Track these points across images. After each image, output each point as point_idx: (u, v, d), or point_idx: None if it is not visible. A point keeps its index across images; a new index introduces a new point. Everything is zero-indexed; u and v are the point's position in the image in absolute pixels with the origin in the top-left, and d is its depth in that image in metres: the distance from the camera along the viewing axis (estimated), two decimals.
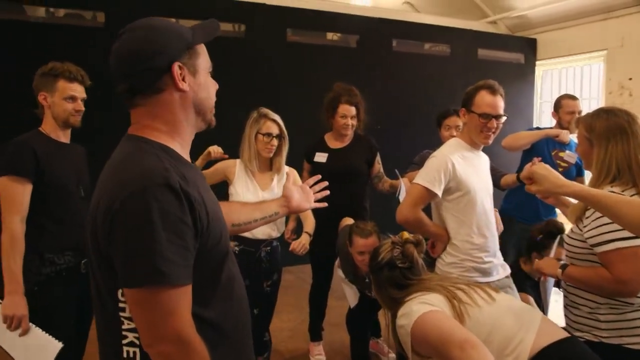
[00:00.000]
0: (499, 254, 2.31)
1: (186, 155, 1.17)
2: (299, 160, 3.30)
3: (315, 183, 1.76)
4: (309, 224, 2.65)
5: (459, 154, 2.24)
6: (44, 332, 1.95)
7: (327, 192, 1.77)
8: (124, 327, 1.06)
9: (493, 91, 2.23)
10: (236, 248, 2.56)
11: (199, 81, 1.16)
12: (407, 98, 5.83)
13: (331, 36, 5.88)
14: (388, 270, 1.79)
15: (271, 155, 2.61)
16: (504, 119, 2.25)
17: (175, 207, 0.99)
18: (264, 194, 2.58)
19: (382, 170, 3.34)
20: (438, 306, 1.57)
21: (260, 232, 2.56)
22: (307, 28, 5.57)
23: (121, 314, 1.05)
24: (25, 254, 1.99)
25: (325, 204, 1.76)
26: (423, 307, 1.56)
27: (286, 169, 2.71)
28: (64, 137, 2.17)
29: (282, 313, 4.18)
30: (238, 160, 2.64)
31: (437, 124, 3.35)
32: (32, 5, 4.44)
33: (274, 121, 2.59)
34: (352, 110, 3.18)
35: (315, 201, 1.74)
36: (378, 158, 3.32)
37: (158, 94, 1.10)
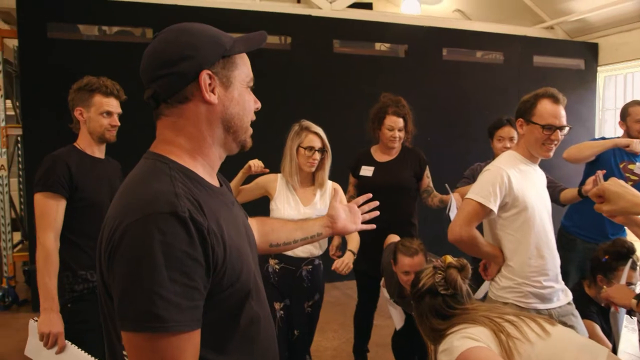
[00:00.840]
0: (560, 277, 2.11)
1: (211, 178, 1.04)
2: (346, 174, 3.21)
3: (365, 203, 1.60)
4: (354, 241, 2.53)
5: (514, 167, 2.06)
6: (80, 349, 1.92)
7: (377, 213, 1.61)
8: None
9: (556, 100, 2.04)
10: (276, 266, 2.47)
11: (232, 95, 1.01)
12: (458, 109, 5.62)
13: (379, 46, 5.78)
14: (430, 298, 1.64)
15: (313, 169, 2.50)
16: (567, 130, 2.06)
17: (181, 239, 0.85)
18: (306, 209, 2.48)
19: (431, 184, 3.19)
20: (483, 341, 1.40)
21: (302, 250, 2.46)
22: (354, 39, 5.49)
23: (124, 352, 0.92)
24: (60, 271, 1.97)
25: (374, 226, 1.60)
26: (466, 343, 1.40)
27: (330, 184, 2.60)
28: (99, 152, 2.16)
29: (327, 331, 4.08)
30: (279, 175, 2.56)
31: (489, 135, 3.16)
32: (86, 24, 4.59)
33: (316, 134, 2.49)
34: (400, 122, 3.05)
35: (363, 222, 1.59)
36: (427, 172, 3.17)
37: (183, 103, 0.97)
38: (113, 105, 2.11)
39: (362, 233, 3.14)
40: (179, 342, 0.85)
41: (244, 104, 1.04)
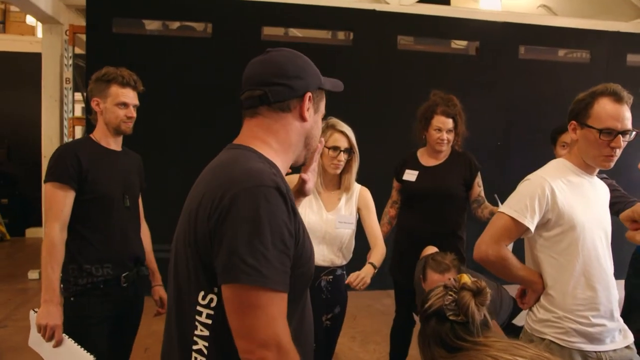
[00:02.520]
0: (617, 314, 1.74)
1: (284, 173, 1.18)
2: None
3: None
4: (377, 253, 2.26)
5: (562, 178, 1.74)
6: (77, 345, 1.87)
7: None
8: (196, 332, 1.04)
9: (618, 98, 1.68)
10: None
11: (317, 119, 1.22)
12: (534, 112, 5.11)
13: (449, 43, 5.41)
14: (436, 323, 1.37)
15: (338, 171, 2.28)
16: (632, 135, 1.70)
17: (282, 211, 1.00)
18: (329, 215, 2.28)
19: (482, 194, 2.86)
20: None
21: (322, 259, 2.26)
22: (421, 35, 5.18)
23: (197, 317, 1.04)
24: (66, 263, 1.94)
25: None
26: None
27: (358, 189, 2.37)
28: (115, 144, 2.10)
29: (369, 343, 3.87)
30: None
31: (552, 141, 2.77)
32: (150, 19, 4.68)
33: (343, 133, 2.26)
34: (449, 122, 2.76)
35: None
36: (479, 179, 2.85)
37: (284, 111, 1.14)
38: (129, 96, 2.05)
39: (401, 243, 2.95)
40: (279, 300, 0.97)
41: (318, 129, 1.25)
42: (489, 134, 5.02)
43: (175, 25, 4.89)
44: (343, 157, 2.25)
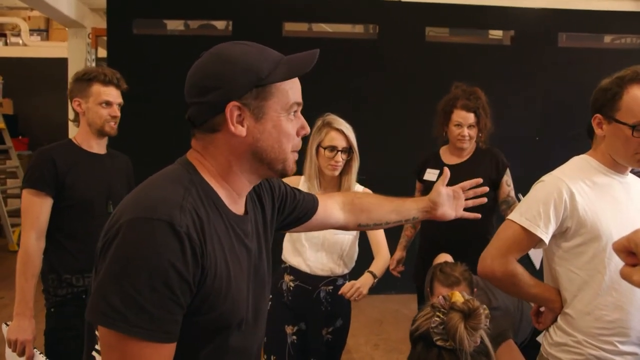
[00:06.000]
0: None
1: (234, 203, 1.00)
2: None
3: (472, 188, 1.49)
4: (379, 261, 2.05)
5: (584, 178, 1.49)
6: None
7: (484, 200, 1.50)
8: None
9: None
10: (291, 283, 2.11)
11: (264, 127, 0.96)
12: (577, 105, 4.70)
13: (484, 33, 5.10)
14: (423, 348, 1.18)
15: (336, 173, 2.08)
16: None
17: (171, 251, 0.84)
18: None
19: (512, 193, 2.62)
20: None
21: (320, 268, 2.08)
22: (449, 25, 4.91)
23: (96, 346, 0.98)
24: (46, 273, 1.87)
25: (479, 216, 1.50)
26: None
27: (359, 189, 2.17)
28: (98, 147, 2.00)
29: (392, 351, 3.66)
30: (302, 177, 2.18)
31: (588, 135, 2.45)
32: (168, 19, 4.63)
33: (340, 132, 2.05)
34: (470, 117, 2.55)
35: (466, 210, 1.48)
36: (507, 178, 2.61)
37: (212, 133, 0.96)
38: (112, 94, 1.95)
39: (421, 246, 2.74)
40: (145, 350, 0.84)
41: (279, 135, 0.97)
42: (526, 129, 4.71)
43: (196, 24, 4.82)
44: (341, 157, 2.05)
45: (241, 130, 0.94)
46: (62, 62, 6.99)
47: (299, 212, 1.30)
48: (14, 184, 6.46)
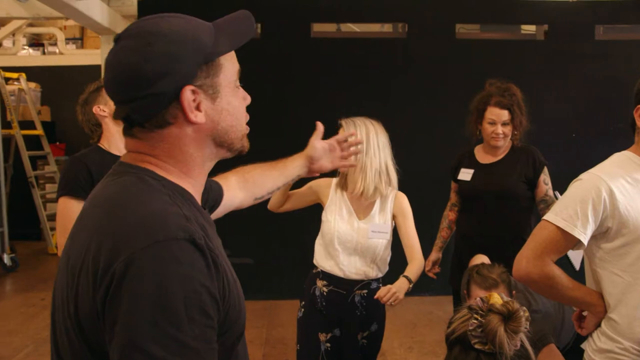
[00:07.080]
0: None
1: (199, 197, 0.88)
2: None
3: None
4: (414, 265, 2.01)
5: (625, 176, 1.42)
6: None
7: (358, 151, 1.62)
8: None
9: None
10: (324, 289, 2.09)
11: (222, 106, 0.85)
12: (615, 100, 4.55)
13: (517, 29, 4.98)
14: (460, 351, 1.15)
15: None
16: None
17: (200, 271, 0.72)
18: (361, 223, 2.07)
19: (550, 192, 2.56)
20: None
21: (354, 272, 2.06)
22: (480, 21, 4.80)
23: None
24: None
25: (354, 164, 1.62)
26: None
27: (393, 192, 2.12)
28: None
29: (427, 354, 3.61)
30: (334, 180, 2.16)
31: (632, 130, 2.38)
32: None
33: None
34: (504, 114, 2.49)
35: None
36: (545, 177, 2.55)
37: (163, 128, 0.81)
38: None
39: (457, 248, 2.69)
40: None
41: (235, 111, 0.88)
42: (562, 126, 4.57)
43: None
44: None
45: (200, 117, 0.82)
46: (96, 69, 7.21)
47: (212, 201, 1.24)
48: (52, 189, 6.66)
